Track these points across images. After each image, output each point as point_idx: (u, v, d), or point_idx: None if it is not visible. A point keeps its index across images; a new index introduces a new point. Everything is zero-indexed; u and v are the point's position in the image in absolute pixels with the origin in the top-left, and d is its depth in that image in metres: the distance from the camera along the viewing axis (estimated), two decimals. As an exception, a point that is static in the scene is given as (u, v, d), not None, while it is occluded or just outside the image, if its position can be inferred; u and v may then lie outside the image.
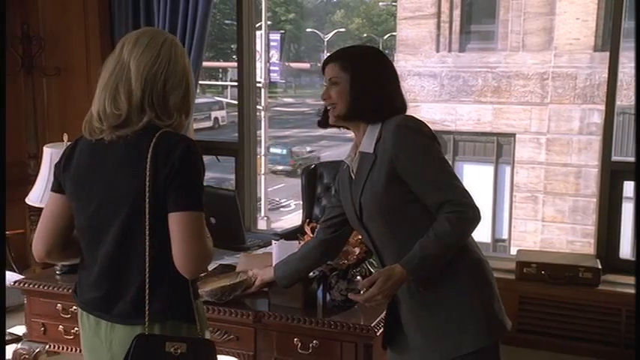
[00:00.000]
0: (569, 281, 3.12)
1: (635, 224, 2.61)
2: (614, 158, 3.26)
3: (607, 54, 3.23)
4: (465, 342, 1.69)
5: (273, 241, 2.18)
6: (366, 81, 1.80)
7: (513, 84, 10.78)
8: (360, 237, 1.92)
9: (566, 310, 3.14)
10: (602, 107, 3.20)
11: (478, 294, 1.72)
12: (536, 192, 10.85)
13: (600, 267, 3.14)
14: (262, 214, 16.09)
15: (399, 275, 1.66)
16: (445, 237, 1.64)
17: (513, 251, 10.84)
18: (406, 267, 1.66)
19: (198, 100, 25.98)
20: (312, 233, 2.02)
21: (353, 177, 1.83)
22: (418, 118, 1.79)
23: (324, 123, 1.90)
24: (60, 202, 1.63)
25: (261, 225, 15.76)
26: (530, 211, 10.91)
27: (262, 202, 16.18)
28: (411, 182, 1.70)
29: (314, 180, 3.29)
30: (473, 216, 1.65)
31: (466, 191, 1.68)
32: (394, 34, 15.39)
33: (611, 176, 3.24)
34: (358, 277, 2.03)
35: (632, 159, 3.34)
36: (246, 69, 3.91)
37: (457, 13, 11.50)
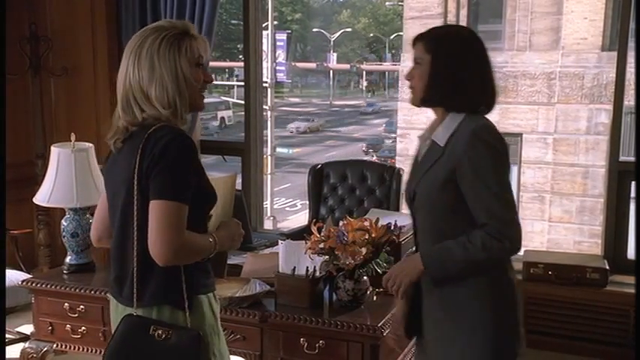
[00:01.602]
0: (576, 282, 3.11)
1: (636, 224, 2.60)
2: (621, 158, 3.25)
3: (615, 54, 3.21)
4: (466, 356, 1.69)
5: (280, 241, 2.18)
6: (445, 66, 1.70)
7: (520, 84, 10.75)
8: (366, 237, 1.93)
9: (573, 310, 3.13)
10: (610, 107, 3.19)
11: (501, 316, 1.70)
12: (543, 192, 10.79)
13: (608, 267, 3.12)
14: (269, 214, 16.13)
15: (415, 263, 1.69)
16: (473, 253, 1.62)
17: (520, 251, 11.13)
18: (424, 259, 1.68)
19: (205, 100, 26.15)
20: (319, 233, 2.01)
21: (419, 160, 1.80)
22: (494, 127, 1.72)
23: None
24: (104, 195, 1.77)
25: (268, 225, 15.78)
26: (537, 212, 10.82)
27: (269, 202, 16.23)
28: (466, 192, 1.66)
29: (320, 179, 3.29)
30: (509, 248, 1.63)
31: (515, 221, 1.64)
32: (401, 33, 15.40)
33: (619, 176, 3.22)
34: (365, 278, 2.03)
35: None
36: (252, 69, 3.91)
37: (464, 12, 11.46)
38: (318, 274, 2.05)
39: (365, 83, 35.33)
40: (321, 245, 1.96)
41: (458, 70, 1.70)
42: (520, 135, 10.80)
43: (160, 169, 1.54)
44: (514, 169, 10.85)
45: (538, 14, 11.04)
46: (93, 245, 1.90)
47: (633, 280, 3.14)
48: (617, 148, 3.23)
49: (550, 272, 3.16)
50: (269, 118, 17.76)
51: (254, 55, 3.92)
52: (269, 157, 16.78)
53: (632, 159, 3.36)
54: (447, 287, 1.69)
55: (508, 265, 1.74)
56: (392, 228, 2.05)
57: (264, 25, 17.45)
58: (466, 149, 1.64)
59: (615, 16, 10.71)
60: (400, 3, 21.25)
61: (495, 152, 1.65)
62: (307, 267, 2.05)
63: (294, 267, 2.07)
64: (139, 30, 1.71)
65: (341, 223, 2.07)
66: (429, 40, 1.73)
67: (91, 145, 2.65)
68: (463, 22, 11.52)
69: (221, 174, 1.71)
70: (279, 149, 19.30)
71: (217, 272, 1.76)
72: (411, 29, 12.04)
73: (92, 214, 2.64)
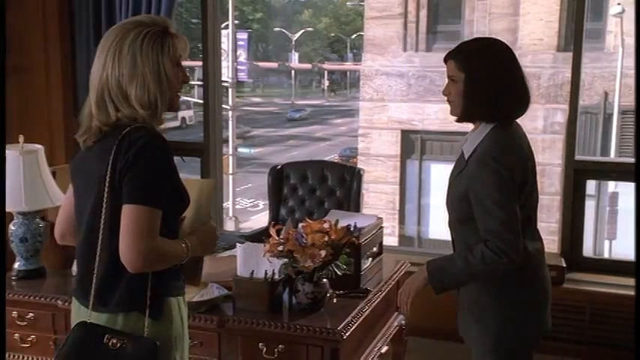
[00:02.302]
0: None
1: (635, 224, 2.61)
2: (577, 157, 3.30)
3: (570, 54, 3.26)
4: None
5: (238, 244, 2.14)
6: (480, 85, 1.80)
7: None
8: (325, 240, 1.90)
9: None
10: (565, 107, 3.24)
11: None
12: None
13: (565, 265, 3.17)
14: (230, 214, 16.01)
15: (421, 271, 1.87)
16: (473, 264, 1.77)
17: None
18: (429, 267, 1.86)
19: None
20: (278, 235, 1.98)
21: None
22: (507, 146, 1.81)
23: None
24: (70, 192, 1.72)
25: (229, 226, 15.68)
26: None
27: (230, 202, 16.10)
28: (474, 209, 1.80)
29: (280, 180, 3.25)
30: (506, 263, 1.74)
31: (513, 241, 1.75)
32: (362, 33, 15.46)
33: (575, 175, 3.27)
34: (324, 280, 2.01)
35: (595, 158, 3.37)
36: (211, 68, 3.85)
37: (423, 13, 11.57)
38: (277, 277, 2.02)
39: (327, 83, 35.41)
40: (280, 248, 1.93)
41: (492, 85, 1.80)
42: None
43: (134, 173, 1.49)
44: None
45: (496, 15, 11.24)
46: (44, 250, 1.82)
47: (590, 277, 3.21)
48: (572, 147, 3.28)
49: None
50: (230, 118, 17.64)
51: (213, 54, 3.86)
52: (230, 157, 16.68)
53: (588, 158, 3.41)
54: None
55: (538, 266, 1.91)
56: (352, 229, 2.03)
57: (224, 25, 17.23)
58: (474, 172, 1.79)
59: (570, 17, 11.00)
60: (361, 3, 21.36)
61: (498, 177, 1.75)
62: (266, 270, 2.01)
63: (253, 270, 2.04)
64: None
65: (300, 225, 2.05)
66: (461, 58, 1.82)
67: (41, 147, 2.56)
68: (423, 23, 11.66)
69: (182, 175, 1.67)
70: (240, 149, 19.14)
71: (192, 279, 1.71)
72: (372, 29, 12.13)
73: (42, 219, 2.57)
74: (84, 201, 1.61)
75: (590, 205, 3.01)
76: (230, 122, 17.40)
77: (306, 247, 1.88)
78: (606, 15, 11.18)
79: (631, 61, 10.19)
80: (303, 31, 31.78)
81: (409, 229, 11.72)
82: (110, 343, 1.51)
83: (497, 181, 1.75)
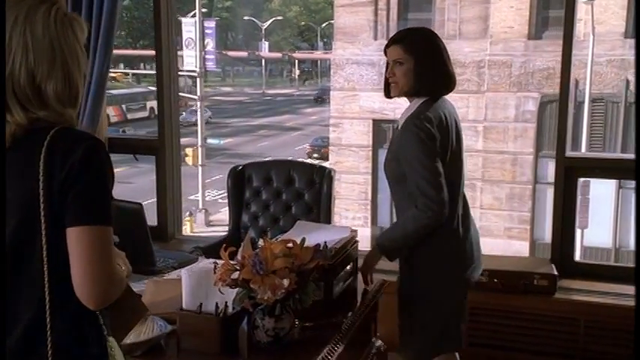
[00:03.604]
0: (524, 289, 2.86)
1: (635, 225, 2.38)
2: (568, 154, 3.00)
3: (540, 42, 2.98)
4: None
5: (183, 271, 1.77)
6: (426, 64, 2.09)
7: None
8: (287, 266, 1.56)
9: (521, 321, 2.88)
10: (537, 95, 2.97)
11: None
12: (474, 179, 10.87)
13: (556, 273, 2.88)
14: (200, 206, 15.60)
15: (372, 252, 2.15)
16: (408, 228, 2.07)
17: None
18: (379, 246, 2.14)
19: (133, 90, 25.43)
20: (232, 259, 1.64)
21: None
22: (428, 116, 2.05)
23: (388, 95, 2.20)
24: None
25: (199, 219, 15.32)
26: (469, 199, 10.94)
27: (200, 194, 15.70)
28: (405, 170, 2.06)
29: (241, 183, 2.90)
30: (432, 215, 2.01)
31: (438, 197, 2.00)
32: (332, 22, 15.25)
33: (565, 173, 2.98)
34: (288, 312, 1.66)
35: (589, 154, 3.09)
36: (165, 57, 3.47)
37: (394, 0, 11.48)
38: (230, 310, 1.67)
39: (297, 72, 35.02)
40: (234, 276, 1.58)
41: (434, 65, 2.12)
42: None
43: (82, 188, 1.19)
44: None
45: (467, 3, 11.23)
46: None
47: (583, 285, 2.93)
48: (563, 143, 2.98)
49: (496, 280, 2.89)
50: (199, 109, 17.21)
51: (167, 42, 3.48)
52: (199, 149, 16.28)
53: (580, 154, 3.12)
54: None
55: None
56: (321, 249, 1.69)
57: (191, 14, 16.80)
58: (400, 138, 2.09)
59: (540, 5, 10.87)
60: (331, -9, 21.05)
61: (418, 139, 2.02)
62: (217, 303, 1.66)
63: (201, 303, 1.68)
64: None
65: (260, 243, 1.71)
66: (408, 43, 2.11)
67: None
68: (394, 10, 11.51)
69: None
70: (209, 140, 18.70)
71: (119, 329, 1.37)
72: (342, 17, 11.92)
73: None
74: None
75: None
76: (198, 113, 17.01)
77: (266, 275, 1.54)
78: (576, 2, 11.02)
79: (601, 49, 10.12)
80: (272, 19, 31.36)
81: (382, 219, 11.63)
82: None
83: (417, 142, 2.01)
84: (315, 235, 1.86)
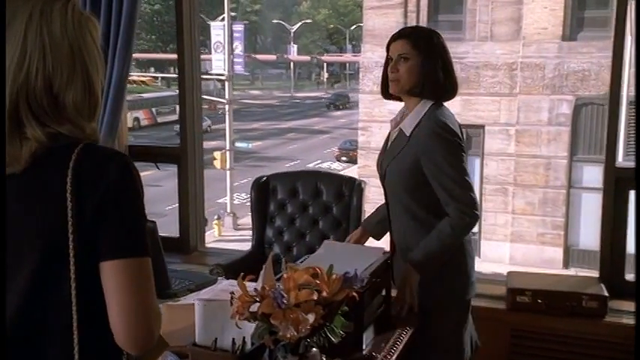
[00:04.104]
0: (570, 312, 2.64)
1: (635, 228, 2.20)
2: (620, 163, 2.77)
3: (575, 43, 2.77)
4: None
5: (196, 301, 1.61)
6: (434, 62, 1.99)
7: (482, 74, 10.69)
8: (314, 299, 1.38)
9: (567, 346, 2.65)
10: (571, 97, 2.75)
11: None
12: (506, 184, 10.76)
13: (607, 294, 2.65)
14: (228, 209, 15.54)
15: (412, 277, 1.99)
16: (447, 240, 1.98)
17: (484, 246, 10.97)
18: (418, 269, 1.99)
19: (163, 94, 25.62)
20: (246, 291, 1.46)
21: (389, 143, 2.11)
22: (451, 119, 2.02)
23: (387, 94, 2.11)
24: None
25: (227, 222, 15.27)
26: (501, 204, 10.81)
27: (228, 198, 15.64)
28: (430, 180, 1.97)
29: (265, 195, 2.73)
30: (470, 220, 1.97)
31: (472, 198, 1.97)
32: (361, 24, 15.14)
33: (616, 185, 2.74)
34: (314, 350, 1.48)
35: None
36: (187, 60, 3.32)
37: (424, 2, 11.32)
38: (248, 346, 1.49)
39: (326, 75, 34.93)
40: (253, 308, 1.41)
41: (442, 66, 2.01)
42: (482, 127, 10.71)
43: (119, 213, 1.04)
44: (477, 162, 10.87)
45: (499, 4, 10.98)
46: None
47: (634, 307, 2.70)
48: (613, 151, 2.75)
49: (539, 300, 2.67)
50: (227, 112, 17.18)
51: (189, 44, 3.33)
52: (227, 152, 16.24)
53: (632, 164, 2.87)
54: None
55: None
56: (351, 278, 1.51)
57: (220, 17, 16.90)
58: (427, 147, 1.97)
59: (575, 5, 10.59)
60: (360, -7, 20.94)
61: (451, 145, 1.97)
62: (233, 338, 1.49)
63: (216, 338, 1.51)
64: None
65: (283, 266, 1.54)
66: (415, 38, 2.01)
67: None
68: (424, 12, 11.37)
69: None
70: (237, 144, 18.67)
71: None
72: (371, 20, 11.78)
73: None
74: (13, 268, 1.05)
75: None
76: (227, 116, 16.99)
77: (288, 309, 1.36)
78: (613, 1, 10.77)
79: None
80: (301, 22, 31.34)
81: None
82: None
83: (449, 146, 1.96)
84: (343, 259, 1.68)
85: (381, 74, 2.12)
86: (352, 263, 1.66)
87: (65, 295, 1.03)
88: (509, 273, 2.95)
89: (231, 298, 1.47)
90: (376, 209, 2.29)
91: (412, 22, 11.30)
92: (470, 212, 1.96)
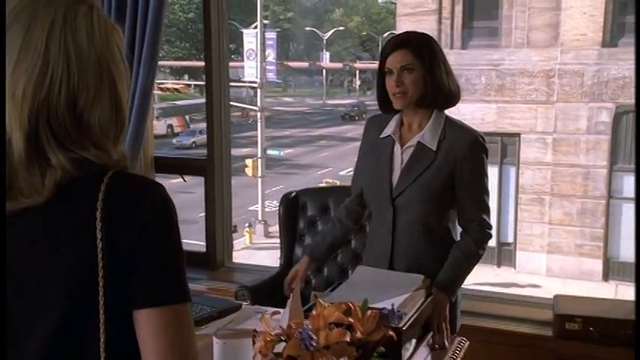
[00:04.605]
0: (626, 341, 2.42)
1: (635, 226, 2.02)
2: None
3: (616, 50, 2.56)
4: None
5: (215, 339, 1.45)
6: (439, 69, 1.89)
7: (518, 82, 10.52)
8: (347, 339, 1.22)
9: (621, 379, 2.45)
10: (611, 105, 2.55)
11: None
12: (542, 194, 10.57)
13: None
14: (259, 217, 15.50)
15: (443, 302, 1.86)
16: (474, 256, 1.92)
17: (520, 257, 10.69)
18: (445, 290, 1.87)
19: (196, 101, 25.87)
20: (270, 329, 1.31)
21: (401, 158, 1.95)
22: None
23: (388, 109, 1.96)
24: None
25: (259, 230, 15.23)
26: (537, 214, 10.63)
27: (259, 206, 15.59)
28: (461, 192, 1.91)
29: (294, 212, 2.58)
30: (489, 238, 1.94)
31: (490, 212, 1.95)
32: (394, 31, 15.05)
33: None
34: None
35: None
36: (215, 67, 3.20)
37: (459, 8, 11.22)
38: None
39: (358, 82, 34.85)
40: (277, 349, 1.26)
41: (443, 72, 1.89)
42: (518, 135, 10.53)
43: (157, 254, 0.89)
44: (512, 171, 10.78)
45: (536, 10, 10.78)
46: None
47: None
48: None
49: (591, 328, 2.46)
50: (259, 119, 17.18)
51: (217, 50, 3.22)
52: (259, 160, 16.23)
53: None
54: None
55: None
56: (387, 314, 1.35)
57: (253, 25, 17.05)
58: (468, 156, 1.89)
59: (616, 11, 10.33)
60: (393, 1, 20.82)
61: (486, 158, 1.93)
62: (256, 381, 1.34)
63: (237, 380, 1.36)
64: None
65: (311, 300, 1.38)
66: (418, 46, 1.88)
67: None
68: (458, 19, 11.22)
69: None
70: (269, 151, 18.65)
71: None
72: (404, 26, 11.64)
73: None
74: (29, 315, 0.90)
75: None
76: (259, 124, 17.00)
77: (317, 351, 1.20)
78: (654, 6, 10.50)
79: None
80: (334, 30, 31.32)
81: None
82: None
83: (485, 159, 1.92)
84: (378, 287, 1.52)
85: (377, 88, 1.97)
86: (388, 292, 1.50)
87: (93, 346, 0.88)
88: (556, 297, 2.74)
89: (254, 335, 1.32)
90: (321, 234, 2.20)
91: (447, 30, 11.17)
92: (490, 227, 1.94)
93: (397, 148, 1.95)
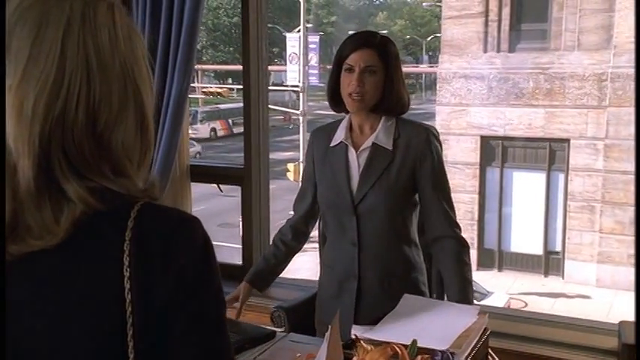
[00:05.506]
0: None
1: (635, 226, 1.84)
2: None
3: None
4: None
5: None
6: (398, 74, 1.83)
7: (567, 86, 10.31)
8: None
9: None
10: None
11: None
12: (592, 201, 10.35)
13: None
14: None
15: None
16: (468, 263, 1.84)
17: (569, 266, 10.33)
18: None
19: (239, 105, 26.07)
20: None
21: (358, 163, 1.87)
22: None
23: (339, 108, 1.89)
24: None
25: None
26: (587, 222, 10.41)
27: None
28: (424, 195, 1.84)
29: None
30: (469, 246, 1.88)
31: (456, 218, 1.89)
32: (438, 35, 14.86)
33: None
34: None
35: None
36: (253, 71, 3.07)
37: (506, 11, 11.03)
38: None
39: (401, 86, 34.70)
40: (312, 398, 1.10)
41: (400, 79, 1.83)
42: (567, 140, 10.35)
43: (200, 307, 0.73)
44: (561, 177, 10.56)
45: (587, 11, 10.51)
46: None
47: None
48: None
49: None
50: (301, 124, 17.15)
51: (256, 54, 3.08)
52: (301, 164, 16.19)
53: None
54: None
55: None
56: (440, 358, 1.17)
57: (297, 29, 17.17)
58: (425, 152, 1.82)
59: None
60: (438, 4, 20.60)
61: (442, 154, 1.88)
62: None
63: None
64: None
65: (352, 342, 1.21)
66: (384, 49, 1.80)
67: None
68: (506, 21, 11.02)
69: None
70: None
71: None
72: (450, 29, 11.47)
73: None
74: None
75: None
76: (301, 127, 16.96)
77: (358, 404, 1.04)
78: None
79: None
80: (377, 33, 31.21)
81: (489, 241, 11.11)
82: None
83: (441, 153, 1.86)
84: (428, 320, 1.34)
85: (329, 83, 1.87)
86: (440, 327, 1.31)
87: None
88: (622, 323, 2.49)
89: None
90: (263, 258, 2.12)
91: (493, 33, 10.95)
92: (464, 239, 1.86)
93: (352, 152, 1.88)
